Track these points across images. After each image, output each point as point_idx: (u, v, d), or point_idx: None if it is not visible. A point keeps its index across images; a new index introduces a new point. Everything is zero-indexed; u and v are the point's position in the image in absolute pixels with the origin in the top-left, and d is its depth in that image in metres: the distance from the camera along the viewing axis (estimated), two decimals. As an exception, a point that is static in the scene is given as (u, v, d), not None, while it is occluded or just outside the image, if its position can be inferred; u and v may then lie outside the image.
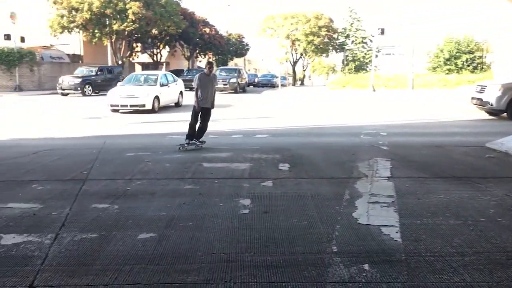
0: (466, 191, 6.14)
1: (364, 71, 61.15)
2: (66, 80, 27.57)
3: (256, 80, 52.51)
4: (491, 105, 15.19)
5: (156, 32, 39.97)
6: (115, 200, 5.71)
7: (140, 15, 35.18)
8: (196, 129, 9.81)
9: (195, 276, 3.57)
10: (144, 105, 16.94)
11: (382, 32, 35.39)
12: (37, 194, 6.02)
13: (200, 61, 61.69)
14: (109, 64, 36.89)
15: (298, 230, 4.67)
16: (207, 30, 52.29)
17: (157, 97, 17.76)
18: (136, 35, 40.33)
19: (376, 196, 5.94)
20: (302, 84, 74.77)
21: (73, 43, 40.42)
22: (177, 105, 20.08)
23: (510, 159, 8.39)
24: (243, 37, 68.90)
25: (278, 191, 6.22)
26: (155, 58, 48.28)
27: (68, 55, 39.34)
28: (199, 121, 9.80)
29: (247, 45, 70.12)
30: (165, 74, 20.19)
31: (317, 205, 5.55)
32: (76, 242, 4.32)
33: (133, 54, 44.69)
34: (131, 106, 16.94)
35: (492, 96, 15.12)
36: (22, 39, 33.72)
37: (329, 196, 5.93)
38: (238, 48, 67.16)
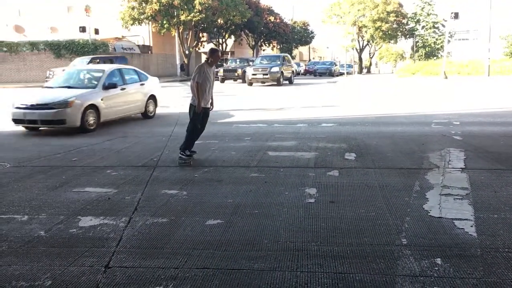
0: (549, 184, 5.72)
1: (435, 58, 58.58)
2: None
3: (315, 68, 50.73)
4: None
5: (222, 21, 40.55)
6: (184, 187, 5.88)
7: (207, 5, 35.81)
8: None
9: (262, 263, 3.60)
10: (63, 121, 10.26)
11: (456, 16, 33.61)
12: (111, 179, 6.32)
13: (263, 50, 61.86)
14: (177, 54, 37.90)
15: (365, 221, 4.57)
16: (272, 18, 52.29)
17: (93, 107, 10.80)
18: (202, 25, 41.12)
19: (448, 188, 5.69)
20: (368, 72, 72.95)
21: (143, 34, 41.92)
22: (146, 115, 13.13)
23: None
24: (308, 25, 68.22)
25: (344, 181, 6.12)
26: (220, 48, 48.98)
27: (138, 46, 40.85)
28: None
29: (312, 32, 69.37)
30: (118, 70, 12.46)
31: (385, 196, 5.41)
32: (147, 226, 4.50)
33: (200, 43, 45.60)
34: (41, 122, 10.45)
35: None
36: (96, 31, 35.44)
37: (398, 187, 5.76)
38: (303, 36, 66.62)
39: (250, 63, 32.86)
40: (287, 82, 30.48)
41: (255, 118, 12.97)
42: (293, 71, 32.01)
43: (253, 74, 27.71)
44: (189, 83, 9.20)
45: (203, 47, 48.43)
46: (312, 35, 68.93)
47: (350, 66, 56.57)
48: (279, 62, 29.03)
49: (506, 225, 4.35)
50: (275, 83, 28.08)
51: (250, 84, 28.17)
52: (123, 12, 36.25)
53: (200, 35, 44.55)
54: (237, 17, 39.95)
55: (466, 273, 3.37)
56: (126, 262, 3.70)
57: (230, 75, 32.41)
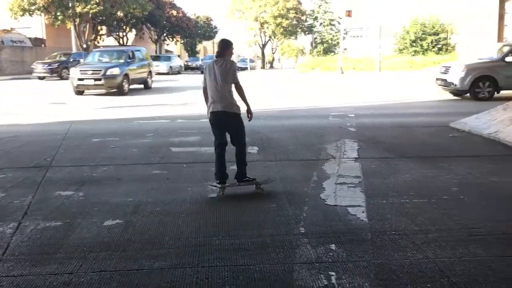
0: (430, 170, 6.28)
1: (332, 54, 61.41)
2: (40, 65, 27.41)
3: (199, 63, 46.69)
4: (455, 85, 15.52)
5: (122, 14, 39.08)
6: (80, 187, 5.59)
7: (104, -3, 34.28)
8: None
9: (163, 261, 3.54)
10: None
11: (349, 14, 35.52)
12: (-2, 182, 5.83)
13: (167, 44, 60.75)
14: (73, 48, 35.90)
15: (266, 212, 4.68)
16: (174, 12, 51.48)
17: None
18: (100, 18, 39.32)
19: (343, 177, 6.01)
20: (271, 67, 74.68)
21: (35, 26, 39.08)
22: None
23: (473, 138, 8.61)
24: (211, 20, 68.12)
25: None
26: (121, 42, 47.23)
27: (30, 38, 38.03)
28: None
29: (215, 28, 69.37)
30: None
31: (286, 187, 5.58)
32: (39, 231, 4.21)
33: (98, 37, 43.59)
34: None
35: (455, 77, 15.43)
36: (-20, 23, 32.41)
37: (297, 178, 5.97)
38: (207, 31, 66.45)
39: (81, 60, 24.73)
40: (141, 86, 20.86)
41: (158, 114, 12.71)
42: (150, 72, 21.39)
43: (80, 79, 17.88)
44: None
45: (103, 41, 46.36)
46: (215, 30, 69.01)
47: (252, 61, 57.28)
48: (122, 61, 19.21)
49: (394, 210, 4.70)
50: (114, 90, 18.16)
51: (79, 92, 18.33)
52: (11, 2, 33.51)
53: (99, 28, 42.59)
54: (137, 10, 38.76)
55: (358, 257, 3.59)
56: (14, 270, 3.44)
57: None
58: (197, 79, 25.14)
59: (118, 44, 46.52)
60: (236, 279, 3.27)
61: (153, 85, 21.91)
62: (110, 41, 47.57)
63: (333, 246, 3.78)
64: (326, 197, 5.13)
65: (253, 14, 62.62)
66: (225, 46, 5.30)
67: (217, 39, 75.60)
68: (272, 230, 4.18)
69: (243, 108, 5.42)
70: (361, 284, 3.14)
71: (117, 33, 47.91)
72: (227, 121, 5.30)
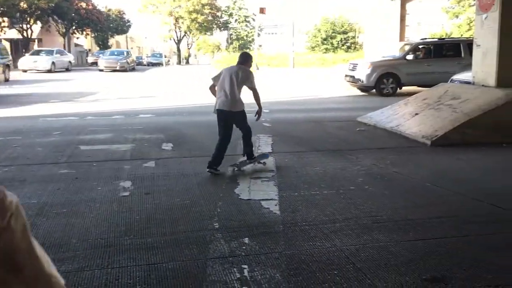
0: (339, 162, 6.57)
1: (248, 50, 62.11)
2: None
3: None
4: (362, 82, 16.35)
5: (25, 5, 36.58)
6: (-23, 190, 5.17)
7: (5, -14, 31.88)
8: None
9: (69, 264, 3.38)
10: None
11: (263, 11, 36.10)
12: None
13: (77, 38, 57.88)
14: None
15: (180, 209, 4.64)
16: (84, 4, 49.11)
17: None
18: (1, 9, 36.52)
19: (257, 171, 6.11)
20: (187, 62, 73.92)
21: None
22: None
23: (378, 132, 9.12)
24: (124, 13, 65.85)
25: (160, 171, 6.11)
26: (25, 34, 44.20)
27: None
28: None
29: (128, 21, 67.23)
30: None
31: (200, 183, 5.57)
32: None
33: (0, 29, 40.48)
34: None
35: (362, 73, 16.26)
36: None
37: (212, 174, 5.97)
38: (119, 25, 64.15)
39: None
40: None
41: (65, 110, 12.08)
42: (8, 66, 20.05)
43: None
44: None
45: (4, 33, 43.08)
46: (128, 24, 66.85)
47: (160, 56, 55.69)
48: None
49: (305, 201, 4.86)
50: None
51: None
52: None
53: (0, 19, 39.53)
54: (42, 1, 36.51)
55: (270, 249, 3.67)
56: None
57: None
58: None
59: (21, 37, 43.53)
60: (148, 278, 3.20)
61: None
62: (12, 33, 44.33)
63: (246, 240, 3.83)
64: (240, 192, 5.18)
65: (167, 8, 61.52)
66: (246, 59, 6.33)
67: (131, 33, 73.41)
68: (185, 227, 4.14)
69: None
70: (273, 275, 3.22)
71: (21, 25, 44.75)
72: (232, 118, 6.25)
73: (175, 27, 65.47)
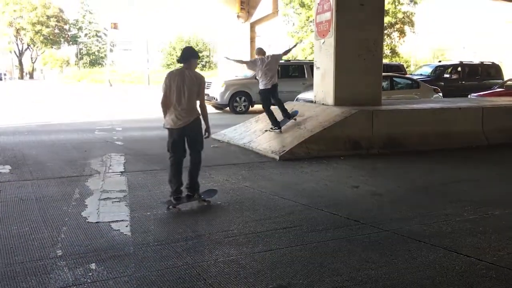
0: (193, 179, 6.58)
1: (100, 66, 59.53)
2: None
3: None
4: (216, 100, 16.77)
5: None
6: None
7: None
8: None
9: None
10: None
11: (115, 26, 35.06)
12: None
13: None
14: None
15: (17, 238, 4.20)
16: None
17: None
18: None
19: (108, 192, 5.84)
20: (31, 78, 68.12)
21: None
22: None
23: (231, 148, 9.40)
24: (-48, 21, 58.73)
25: (-6, 197, 5.48)
26: None
27: None
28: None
29: (-42, 30, 60.12)
30: None
31: (42, 208, 5.13)
32: None
33: None
34: None
35: (216, 91, 16.70)
36: None
37: (56, 197, 5.56)
38: None
39: None
40: None
41: None
42: None
43: None
44: None
45: None
46: (-42, 33, 59.50)
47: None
48: None
49: (157, 220, 4.77)
50: None
51: None
52: None
53: None
54: None
55: (119, 272, 3.51)
56: None
57: None
58: None
59: None
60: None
61: None
62: None
63: (93, 265, 3.61)
64: (88, 215, 4.89)
65: (6, 18, 56.19)
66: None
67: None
68: (23, 257, 3.76)
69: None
70: (121, 300, 3.08)
71: None
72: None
73: (16, 39, 60.05)
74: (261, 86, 9.38)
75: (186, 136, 5.30)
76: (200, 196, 5.40)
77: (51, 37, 58.61)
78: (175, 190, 5.23)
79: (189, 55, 5.24)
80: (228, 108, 16.85)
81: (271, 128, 9.47)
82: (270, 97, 9.40)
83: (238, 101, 16.67)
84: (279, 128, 9.36)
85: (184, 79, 5.14)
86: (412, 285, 3.35)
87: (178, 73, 5.20)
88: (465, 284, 3.39)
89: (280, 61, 10.82)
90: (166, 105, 5.27)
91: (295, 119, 9.48)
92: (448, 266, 3.68)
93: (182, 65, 5.26)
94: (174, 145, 5.32)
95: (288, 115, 9.55)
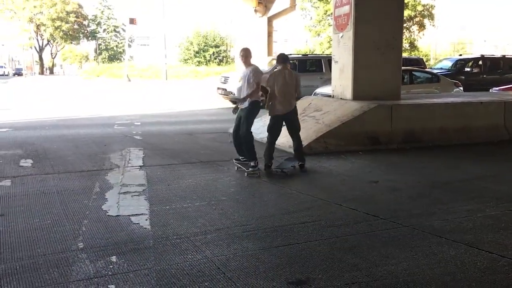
0: (211, 174, 6.62)
1: (118, 61, 60.05)
2: None
3: None
4: (234, 94, 16.74)
5: None
6: None
7: None
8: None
9: None
10: None
11: (133, 22, 35.28)
12: None
13: None
14: None
15: (39, 230, 4.28)
16: None
17: None
18: None
19: (127, 186, 5.90)
20: (51, 73, 69.09)
21: None
22: None
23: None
24: (-27, 17, 59.78)
25: (17, 190, 5.59)
26: None
27: None
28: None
29: (-20, 26, 61.11)
30: None
31: (64, 201, 5.20)
32: None
33: None
34: None
35: (234, 86, 16.67)
36: None
37: (77, 191, 5.63)
38: (-31, 30, 58.00)
39: None
40: None
41: None
42: None
43: None
44: None
45: None
46: (-20, 29, 60.63)
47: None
48: None
49: (176, 215, 4.80)
50: None
51: None
52: None
53: None
54: None
55: (139, 265, 3.54)
56: None
57: None
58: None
59: None
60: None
61: None
62: None
63: (114, 258, 3.66)
64: (108, 208, 4.95)
65: (27, 14, 57.00)
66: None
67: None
68: (45, 249, 3.83)
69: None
70: (142, 293, 3.11)
71: None
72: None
73: (37, 35, 60.90)
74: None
75: (287, 121, 6.86)
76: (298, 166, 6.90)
77: (70, 32, 59.30)
78: (268, 162, 6.80)
79: (286, 59, 6.90)
80: (245, 102, 16.81)
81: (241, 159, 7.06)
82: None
83: (256, 95, 16.63)
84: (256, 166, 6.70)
85: (285, 76, 6.71)
86: (433, 281, 3.32)
87: (279, 73, 6.77)
88: (487, 280, 3.34)
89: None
90: (272, 97, 6.75)
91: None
92: (469, 262, 3.63)
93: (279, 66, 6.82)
94: (276, 128, 6.92)
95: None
